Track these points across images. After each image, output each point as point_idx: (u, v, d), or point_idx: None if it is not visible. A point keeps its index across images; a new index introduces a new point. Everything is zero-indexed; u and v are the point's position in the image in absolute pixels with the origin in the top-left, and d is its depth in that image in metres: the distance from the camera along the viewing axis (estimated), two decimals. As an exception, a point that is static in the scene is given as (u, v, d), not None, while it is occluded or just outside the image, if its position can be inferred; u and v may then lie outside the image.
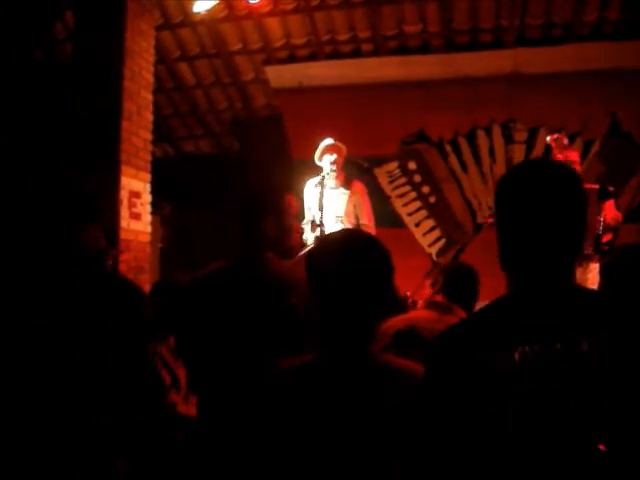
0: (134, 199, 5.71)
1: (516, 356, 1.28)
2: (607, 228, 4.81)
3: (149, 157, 6.01)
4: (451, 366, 1.36)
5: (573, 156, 5.15)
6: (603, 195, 4.93)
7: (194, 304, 2.47)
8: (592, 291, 1.56)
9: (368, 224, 5.26)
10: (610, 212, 4.91)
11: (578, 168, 5.16)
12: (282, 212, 2.60)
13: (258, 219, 2.52)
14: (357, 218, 5.32)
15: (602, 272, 2.87)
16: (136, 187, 5.76)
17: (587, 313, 1.33)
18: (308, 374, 1.61)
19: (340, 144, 5.32)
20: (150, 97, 6.08)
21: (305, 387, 1.59)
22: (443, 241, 7.66)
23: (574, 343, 1.26)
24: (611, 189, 5.03)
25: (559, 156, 5.03)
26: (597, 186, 4.98)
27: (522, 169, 1.53)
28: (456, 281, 3.07)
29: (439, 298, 3.00)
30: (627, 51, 7.03)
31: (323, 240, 1.92)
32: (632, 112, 7.15)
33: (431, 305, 3.01)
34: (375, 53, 7.80)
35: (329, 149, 5.28)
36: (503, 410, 1.27)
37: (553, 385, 1.25)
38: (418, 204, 7.83)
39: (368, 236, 1.81)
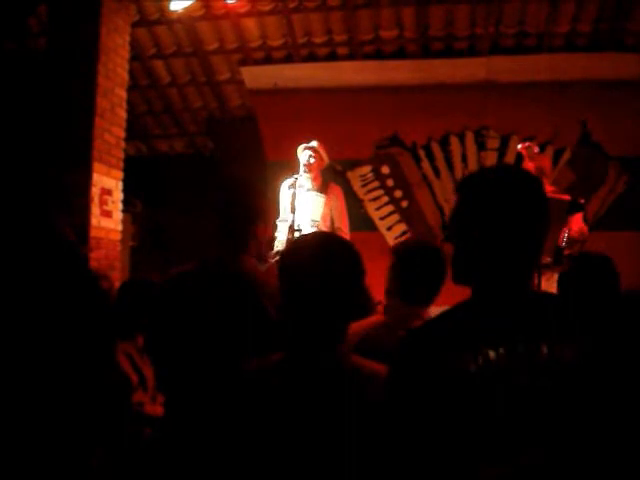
0: (105, 196, 5.67)
1: (479, 359, 1.30)
2: (571, 241, 4.85)
3: (121, 155, 5.97)
4: (415, 368, 1.38)
5: (543, 164, 5.21)
6: (573, 208, 4.97)
7: (166, 303, 2.46)
8: (551, 296, 1.59)
9: (342, 228, 5.26)
10: (576, 224, 4.94)
11: (548, 176, 5.22)
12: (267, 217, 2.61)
13: (241, 220, 2.51)
14: (332, 221, 5.31)
15: (558, 281, 2.94)
16: (108, 184, 5.72)
17: (547, 318, 1.36)
18: (276, 374, 1.62)
19: (320, 149, 5.30)
20: (124, 94, 6.04)
21: (274, 387, 1.60)
22: (414, 245, 7.69)
23: (535, 347, 1.30)
24: (581, 201, 5.07)
25: (530, 164, 5.08)
26: (568, 197, 5.03)
27: (481, 176, 1.55)
28: (414, 272, 2.55)
29: (392, 301, 2.61)
30: (598, 62, 7.17)
31: (296, 242, 1.93)
32: (602, 122, 7.28)
33: (387, 310, 2.66)
34: (351, 57, 7.83)
35: (306, 148, 5.28)
36: (467, 411, 1.30)
37: (515, 388, 1.28)
38: (390, 208, 7.87)
39: (339, 239, 1.83)
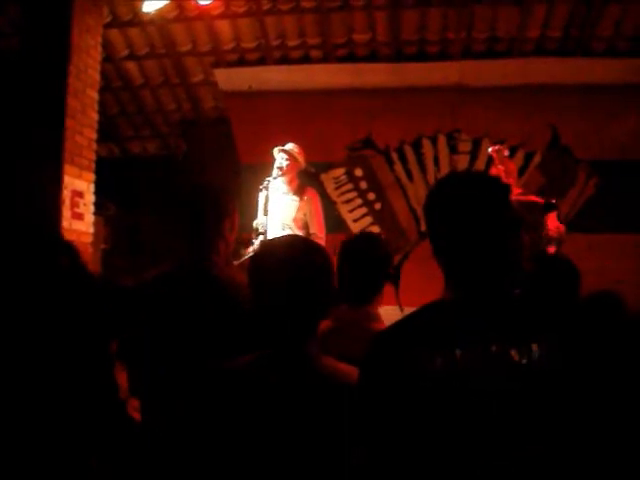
0: (77, 199, 5.61)
1: (451, 358, 1.32)
2: (550, 240, 4.92)
3: (93, 156, 5.91)
4: (388, 367, 1.40)
5: (511, 168, 5.31)
6: (547, 208, 5.05)
7: (147, 307, 2.43)
8: (523, 297, 1.61)
9: (318, 234, 5.16)
10: (552, 223, 5.02)
11: (514, 180, 5.30)
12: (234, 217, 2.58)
13: (208, 219, 2.48)
14: (307, 227, 5.23)
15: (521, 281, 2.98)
16: (79, 187, 5.67)
17: (517, 318, 1.39)
18: (249, 375, 1.63)
19: (295, 153, 5.24)
20: (96, 96, 5.99)
21: (246, 387, 1.61)
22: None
23: (505, 347, 1.32)
24: (553, 201, 5.16)
25: (499, 167, 5.18)
26: (541, 200, 5.12)
27: (449, 183, 1.58)
28: (343, 268, 2.31)
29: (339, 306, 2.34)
30: (568, 67, 7.28)
31: (266, 244, 1.94)
32: (571, 126, 7.39)
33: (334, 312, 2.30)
34: (324, 60, 7.85)
35: (281, 151, 5.24)
36: (440, 411, 1.32)
37: (487, 387, 1.30)
38: (363, 210, 7.90)
39: (310, 241, 1.85)
